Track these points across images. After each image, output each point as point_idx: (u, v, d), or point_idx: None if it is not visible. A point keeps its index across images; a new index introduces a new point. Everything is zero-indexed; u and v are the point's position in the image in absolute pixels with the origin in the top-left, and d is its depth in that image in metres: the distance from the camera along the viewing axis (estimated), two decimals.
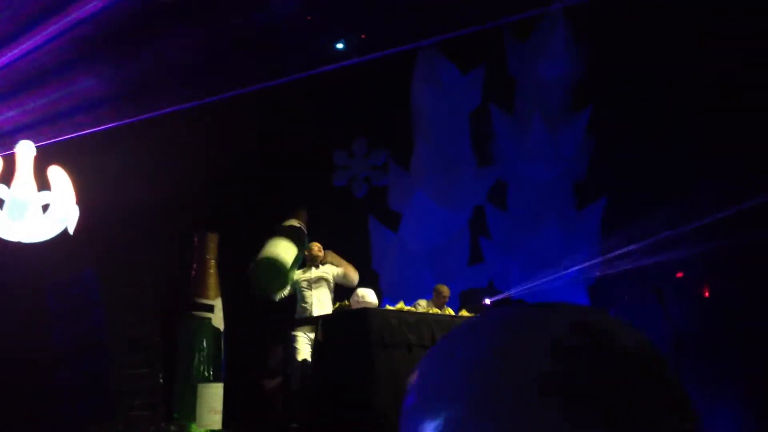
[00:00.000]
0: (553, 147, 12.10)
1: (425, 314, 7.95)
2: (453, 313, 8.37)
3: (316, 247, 8.13)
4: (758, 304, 10.49)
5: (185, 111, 10.01)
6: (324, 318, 7.83)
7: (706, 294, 11.48)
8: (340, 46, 12.39)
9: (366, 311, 7.50)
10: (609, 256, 11.26)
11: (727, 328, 10.57)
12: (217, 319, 7.86)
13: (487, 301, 10.49)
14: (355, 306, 7.82)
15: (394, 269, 12.09)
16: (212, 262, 8.05)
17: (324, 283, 8.04)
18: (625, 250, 10.94)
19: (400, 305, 8.17)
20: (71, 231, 8.88)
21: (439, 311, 8.44)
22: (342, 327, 7.60)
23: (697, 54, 11.02)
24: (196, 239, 8.15)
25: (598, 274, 11.68)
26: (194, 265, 8.03)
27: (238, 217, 10.35)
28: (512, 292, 11.42)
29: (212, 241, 8.14)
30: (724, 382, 10.17)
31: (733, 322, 10.56)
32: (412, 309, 8.13)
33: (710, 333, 10.62)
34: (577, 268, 11.44)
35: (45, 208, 8.88)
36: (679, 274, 11.38)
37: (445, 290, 8.86)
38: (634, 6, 11.18)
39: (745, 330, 10.51)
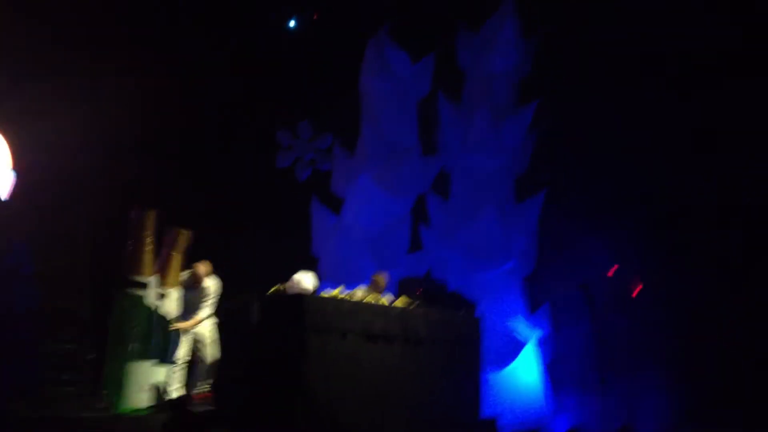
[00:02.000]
0: (497, 139, 12.19)
1: (360, 302, 8.02)
2: (387, 302, 8.44)
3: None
4: (689, 301, 10.83)
5: (129, 82, 9.83)
6: (260, 301, 7.84)
7: (635, 293, 11.76)
8: (292, 23, 12.29)
9: (301, 297, 7.55)
10: (544, 250, 11.47)
11: (657, 327, 10.89)
12: (151, 297, 7.80)
13: (423, 290, 10.57)
14: (290, 291, 7.85)
15: (335, 253, 12.07)
16: (148, 240, 7.97)
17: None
18: (559, 244, 11.17)
19: (338, 291, 8.23)
20: (4, 197, 8.70)
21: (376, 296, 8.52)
22: (277, 311, 7.63)
23: (645, 51, 11.25)
24: (132, 216, 8.05)
25: (533, 267, 11.87)
26: (130, 242, 7.94)
27: (176, 194, 10.24)
28: (449, 281, 11.52)
29: (149, 218, 8.06)
30: (647, 377, 10.52)
31: (662, 321, 10.89)
32: (347, 297, 8.18)
33: (638, 330, 10.95)
34: (513, 260, 11.61)
35: None
36: (612, 270, 11.65)
37: (381, 279, 8.91)
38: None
39: (674, 328, 10.86)
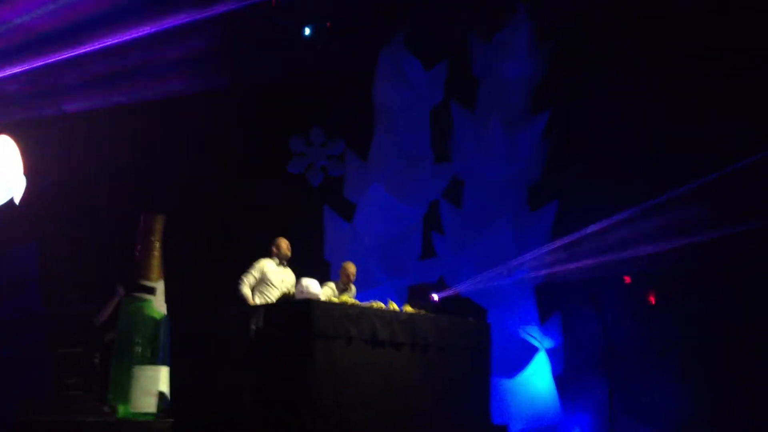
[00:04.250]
0: (510, 147, 12.16)
1: (367, 308, 8.01)
2: (383, 305, 8.39)
3: (286, 246, 8.30)
4: (703, 310, 10.70)
5: (137, 88, 9.90)
6: (267, 307, 7.85)
7: (653, 301, 11.66)
8: (306, 31, 12.30)
9: (308, 302, 7.54)
10: (556, 258, 11.40)
11: (667, 336, 10.78)
12: (159, 302, 7.77)
13: (435, 297, 10.55)
14: (298, 296, 7.85)
15: (347, 260, 12.06)
16: (156, 244, 7.94)
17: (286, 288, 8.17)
18: (572, 253, 11.10)
19: (345, 297, 8.23)
20: (17, 201, 8.77)
21: (346, 290, 8.59)
22: (284, 316, 7.63)
23: (660, 64, 11.16)
24: (141, 220, 8.04)
25: (546, 275, 11.80)
26: (138, 246, 7.93)
27: (188, 199, 10.27)
28: (460, 288, 11.48)
29: (158, 223, 8.03)
30: (652, 388, 10.44)
31: (672, 331, 10.78)
32: (356, 302, 8.17)
33: (650, 339, 10.86)
34: (525, 269, 11.55)
35: None
36: (627, 280, 11.55)
37: (349, 267, 8.96)
38: (599, 11, 11.32)
39: (685, 339, 10.74)
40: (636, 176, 11.12)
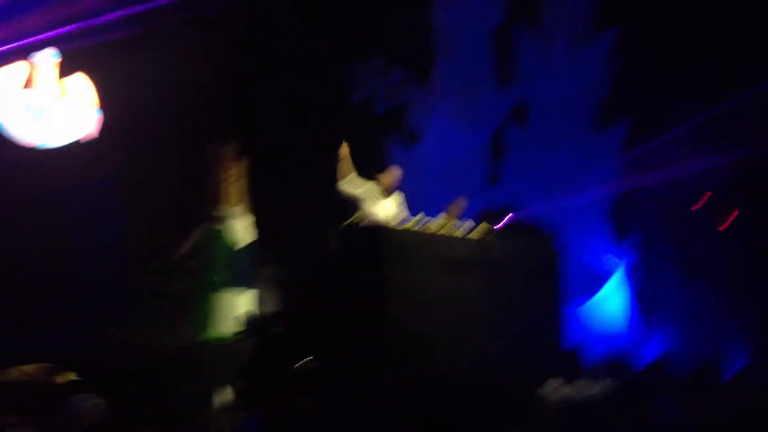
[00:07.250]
0: (576, 66, 11.90)
1: (436, 233, 8.00)
2: (464, 229, 8.38)
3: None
4: None
5: (208, 18, 9.88)
6: (340, 232, 7.91)
7: (728, 220, 11.38)
8: None
9: (378, 227, 7.57)
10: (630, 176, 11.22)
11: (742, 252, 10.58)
12: (233, 229, 7.94)
13: (504, 221, 10.51)
14: (369, 221, 7.88)
15: (414, 186, 12.05)
16: (227, 173, 8.08)
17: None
18: (645, 170, 10.90)
19: (418, 218, 8.23)
20: (93, 136, 8.98)
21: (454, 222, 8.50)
22: (356, 242, 7.68)
23: None
24: (213, 149, 8.17)
25: (619, 195, 11.63)
26: (210, 177, 8.07)
27: (255, 130, 10.33)
28: (530, 211, 11.41)
29: (230, 152, 8.17)
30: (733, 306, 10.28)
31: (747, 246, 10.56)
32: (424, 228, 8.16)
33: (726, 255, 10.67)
34: (595, 189, 11.40)
35: (67, 113, 8.94)
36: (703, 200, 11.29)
37: (457, 204, 8.84)
38: None
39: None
40: (710, 89, 10.76)
